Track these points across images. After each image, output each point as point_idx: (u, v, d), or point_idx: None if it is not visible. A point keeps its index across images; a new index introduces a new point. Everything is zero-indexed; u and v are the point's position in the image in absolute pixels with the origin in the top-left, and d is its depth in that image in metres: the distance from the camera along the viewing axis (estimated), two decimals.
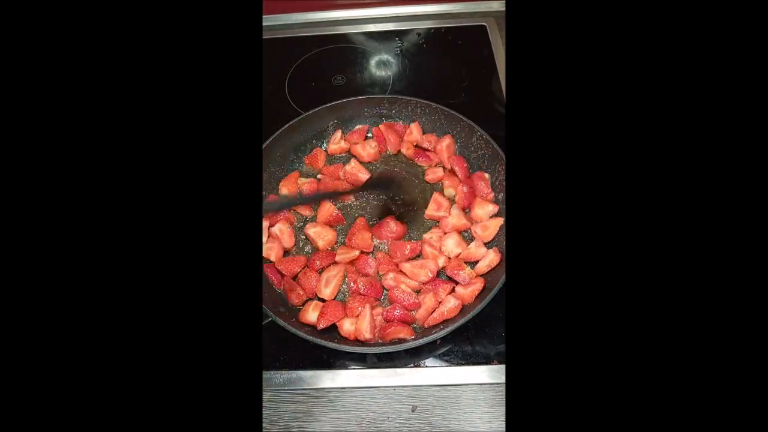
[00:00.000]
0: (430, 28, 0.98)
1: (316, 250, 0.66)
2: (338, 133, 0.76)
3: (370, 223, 0.69)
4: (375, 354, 0.59)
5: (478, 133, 0.71)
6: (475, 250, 0.63)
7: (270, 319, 0.55)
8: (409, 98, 0.76)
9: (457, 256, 0.64)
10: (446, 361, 0.59)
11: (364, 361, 0.59)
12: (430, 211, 0.68)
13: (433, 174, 0.72)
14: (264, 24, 0.99)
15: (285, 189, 0.72)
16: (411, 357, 0.59)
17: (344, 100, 0.76)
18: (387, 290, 0.62)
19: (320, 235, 0.66)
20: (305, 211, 0.70)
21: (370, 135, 0.78)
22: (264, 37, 0.97)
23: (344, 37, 0.97)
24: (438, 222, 0.68)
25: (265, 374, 0.58)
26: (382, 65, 0.93)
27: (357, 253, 0.64)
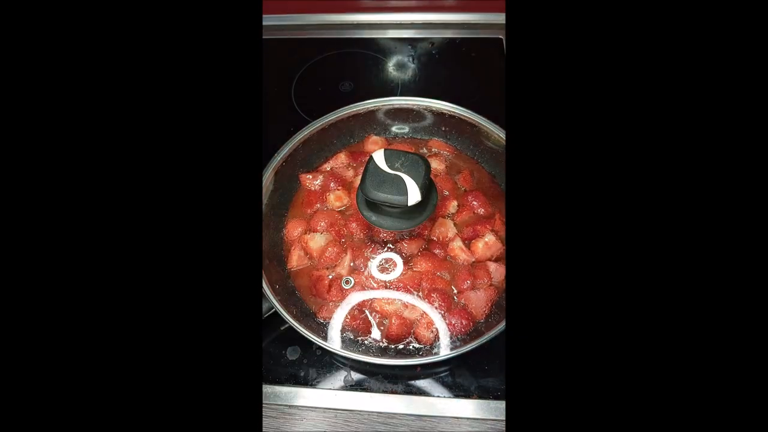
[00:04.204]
0: (443, 38, 0.95)
1: None
2: None
3: None
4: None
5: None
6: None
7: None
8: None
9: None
10: (424, 390, 0.57)
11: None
12: None
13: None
14: (275, 23, 0.98)
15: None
16: (388, 382, 0.58)
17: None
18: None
19: None
20: None
21: None
22: (275, 36, 0.96)
23: (356, 42, 0.96)
24: None
25: None
26: (390, 73, 0.91)
27: None
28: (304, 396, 0.57)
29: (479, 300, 0.59)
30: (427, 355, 0.55)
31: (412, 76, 0.90)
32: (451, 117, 0.69)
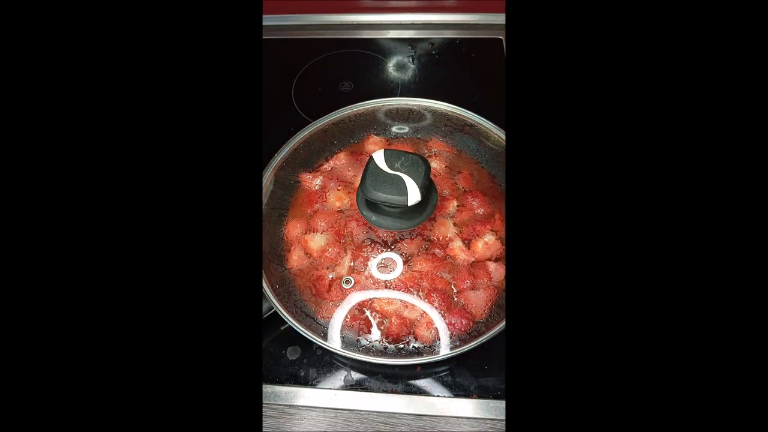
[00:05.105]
0: (443, 39, 0.96)
1: None
2: None
3: None
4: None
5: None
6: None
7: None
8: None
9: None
10: (424, 389, 0.57)
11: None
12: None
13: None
14: (275, 23, 0.98)
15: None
16: (387, 382, 0.58)
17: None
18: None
19: None
20: None
21: None
22: (275, 36, 0.96)
23: (356, 42, 0.96)
24: None
25: None
26: (390, 73, 0.91)
27: None
28: (304, 396, 0.57)
29: (479, 300, 0.59)
30: (426, 355, 0.55)
31: (412, 77, 0.90)
32: (451, 117, 0.69)
